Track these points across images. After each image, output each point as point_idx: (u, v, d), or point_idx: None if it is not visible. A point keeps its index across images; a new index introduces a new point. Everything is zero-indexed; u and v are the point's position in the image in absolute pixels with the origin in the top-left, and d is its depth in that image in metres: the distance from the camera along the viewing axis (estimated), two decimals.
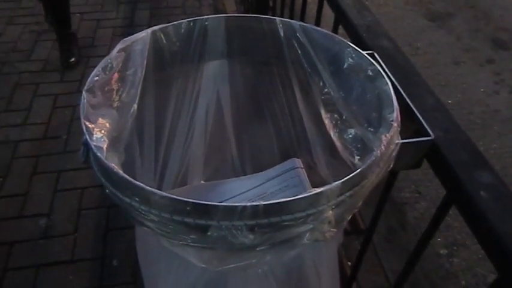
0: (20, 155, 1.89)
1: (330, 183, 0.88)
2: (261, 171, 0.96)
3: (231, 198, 0.90)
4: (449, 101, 2.40)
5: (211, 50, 0.79)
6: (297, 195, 0.49)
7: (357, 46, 0.72)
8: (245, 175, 1.01)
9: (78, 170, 1.81)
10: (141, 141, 0.80)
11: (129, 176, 0.49)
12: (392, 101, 0.59)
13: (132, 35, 0.69)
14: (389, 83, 0.62)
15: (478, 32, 3.02)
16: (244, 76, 0.85)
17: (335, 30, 0.97)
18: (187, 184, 0.99)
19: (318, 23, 1.13)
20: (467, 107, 2.41)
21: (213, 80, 0.85)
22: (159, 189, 0.86)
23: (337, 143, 0.74)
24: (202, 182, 1.02)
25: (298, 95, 0.81)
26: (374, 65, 0.65)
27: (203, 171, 1.01)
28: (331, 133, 0.75)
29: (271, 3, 2.09)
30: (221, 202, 0.93)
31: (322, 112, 0.76)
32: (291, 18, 1.51)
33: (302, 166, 0.92)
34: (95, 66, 0.64)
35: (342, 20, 0.94)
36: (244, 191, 0.92)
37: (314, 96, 0.77)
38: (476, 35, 2.99)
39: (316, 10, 1.07)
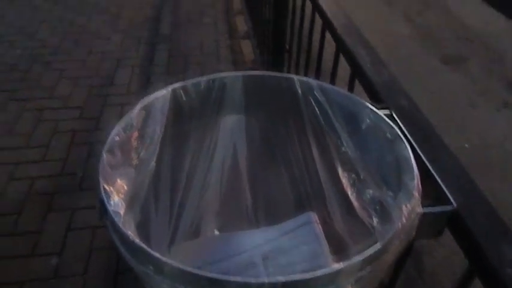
0: (36, 192, 1.92)
1: (346, 239, 0.86)
2: (275, 221, 0.94)
3: (245, 252, 0.88)
4: (466, 145, 2.36)
5: (229, 105, 0.80)
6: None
7: (373, 103, 0.72)
8: (259, 225, 1.00)
9: (92, 209, 1.81)
10: (156, 193, 0.80)
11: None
12: (413, 168, 0.58)
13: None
14: (409, 148, 0.61)
15: (493, 74, 3.02)
16: (261, 130, 0.85)
17: (351, 84, 0.97)
18: (201, 233, 0.98)
19: (334, 72, 1.14)
20: (484, 151, 2.37)
21: (230, 133, 0.85)
22: (173, 240, 0.86)
23: (355, 203, 0.72)
24: (216, 231, 1.01)
25: (315, 151, 0.80)
26: (393, 127, 0.64)
27: (217, 221, 1.00)
28: (349, 192, 0.74)
29: (287, 47, 2.13)
30: (235, 256, 0.91)
31: (339, 170, 0.75)
32: (307, 63, 1.53)
33: (318, 221, 0.91)
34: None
35: (358, 74, 0.95)
36: (258, 244, 0.90)
37: (331, 153, 0.77)
38: (491, 78, 2.98)
39: (332, 64, 1.09)
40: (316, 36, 1.29)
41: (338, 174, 0.77)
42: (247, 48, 2.92)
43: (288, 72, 1.92)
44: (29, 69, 2.76)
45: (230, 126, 0.84)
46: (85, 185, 1.96)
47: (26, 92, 2.52)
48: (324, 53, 1.38)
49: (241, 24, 3.22)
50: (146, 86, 2.59)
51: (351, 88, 0.96)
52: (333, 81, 1.11)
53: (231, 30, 3.22)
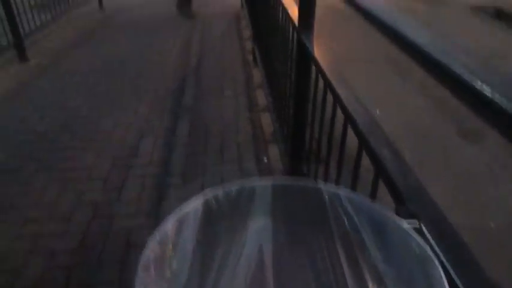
0: (54, 266, 1.92)
1: None
2: None
3: None
4: (492, 224, 2.30)
5: (258, 211, 0.82)
6: None
7: (400, 210, 0.73)
8: None
9: (109, 286, 1.79)
10: None
11: None
12: None
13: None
14: (441, 270, 0.61)
15: None
16: (288, 233, 0.86)
17: (375, 184, 0.99)
18: None
19: (357, 166, 1.16)
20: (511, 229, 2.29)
21: (256, 235, 0.86)
22: None
23: None
24: None
25: (343, 258, 0.80)
26: (423, 248, 0.65)
27: None
28: None
29: (309, 118, 2.13)
30: None
31: (369, 281, 0.75)
32: (330, 144, 1.54)
33: None
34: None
35: (381, 174, 0.97)
36: None
37: (359, 262, 0.77)
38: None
39: (355, 161, 1.11)
40: (340, 117, 1.30)
41: (367, 284, 0.76)
42: (266, 120, 3.01)
43: (309, 152, 1.95)
44: (56, 139, 2.89)
45: (257, 228, 0.85)
46: (104, 258, 1.96)
47: (52, 163, 2.61)
48: (346, 134, 1.41)
49: (261, 97, 3.35)
50: (168, 157, 2.66)
51: (374, 189, 0.98)
52: (355, 179, 1.13)
53: (251, 103, 3.35)
